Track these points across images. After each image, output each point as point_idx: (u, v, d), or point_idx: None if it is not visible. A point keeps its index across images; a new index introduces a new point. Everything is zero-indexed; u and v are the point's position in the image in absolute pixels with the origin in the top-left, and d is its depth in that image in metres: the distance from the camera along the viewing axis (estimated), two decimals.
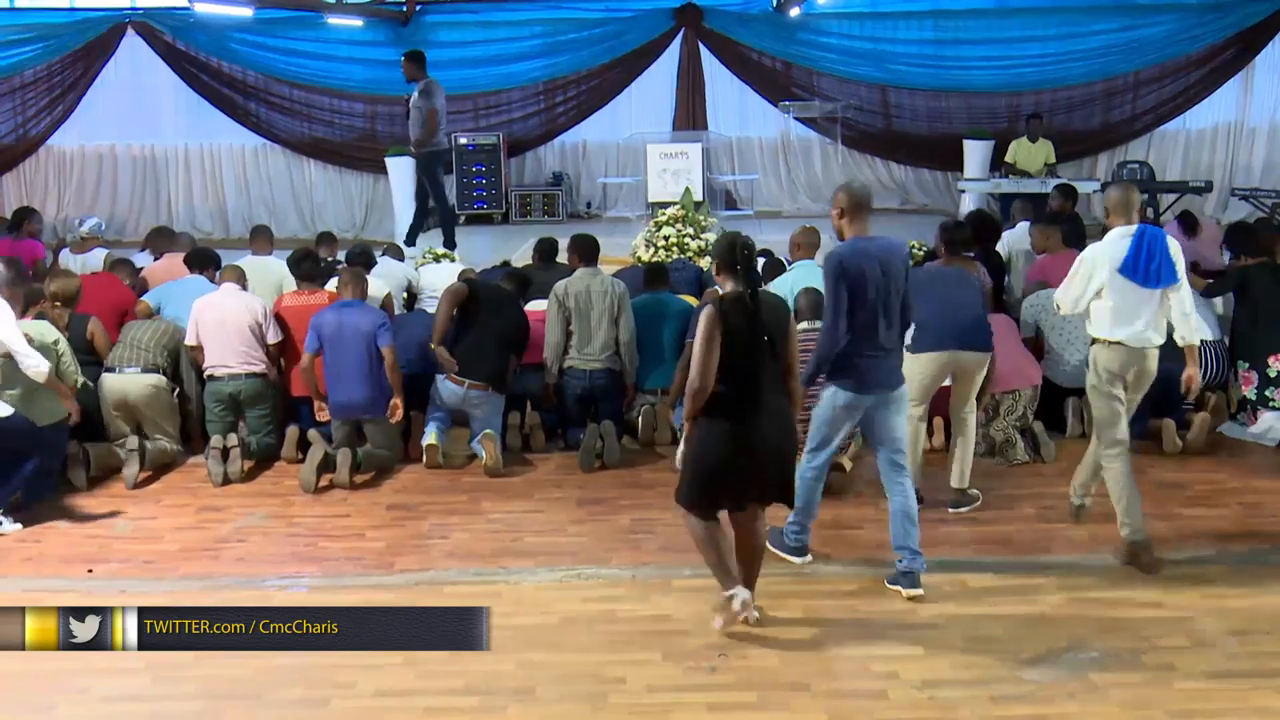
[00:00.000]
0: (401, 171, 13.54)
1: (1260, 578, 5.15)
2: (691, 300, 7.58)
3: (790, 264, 7.53)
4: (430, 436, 6.80)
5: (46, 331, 6.36)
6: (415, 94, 11.22)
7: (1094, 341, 5.33)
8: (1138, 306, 5.21)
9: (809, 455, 5.21)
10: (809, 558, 5.35)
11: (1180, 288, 5.23)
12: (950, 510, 5.97)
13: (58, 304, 6.88)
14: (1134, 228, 5.21)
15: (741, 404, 4.44)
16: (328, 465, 6.51)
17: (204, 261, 7.94)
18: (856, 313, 4.85)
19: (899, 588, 4.97)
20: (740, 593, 4.57)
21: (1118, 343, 5.25)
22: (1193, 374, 5.35)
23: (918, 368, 5.75)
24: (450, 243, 11.06)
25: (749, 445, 4.46)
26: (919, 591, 4.93)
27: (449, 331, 6.91)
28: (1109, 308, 5.23)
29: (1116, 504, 5.30)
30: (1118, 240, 5.24)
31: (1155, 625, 4.67)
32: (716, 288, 7.35)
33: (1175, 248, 5.27)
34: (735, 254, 4.57)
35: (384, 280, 8.01)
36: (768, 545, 5.04)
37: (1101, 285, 5.22)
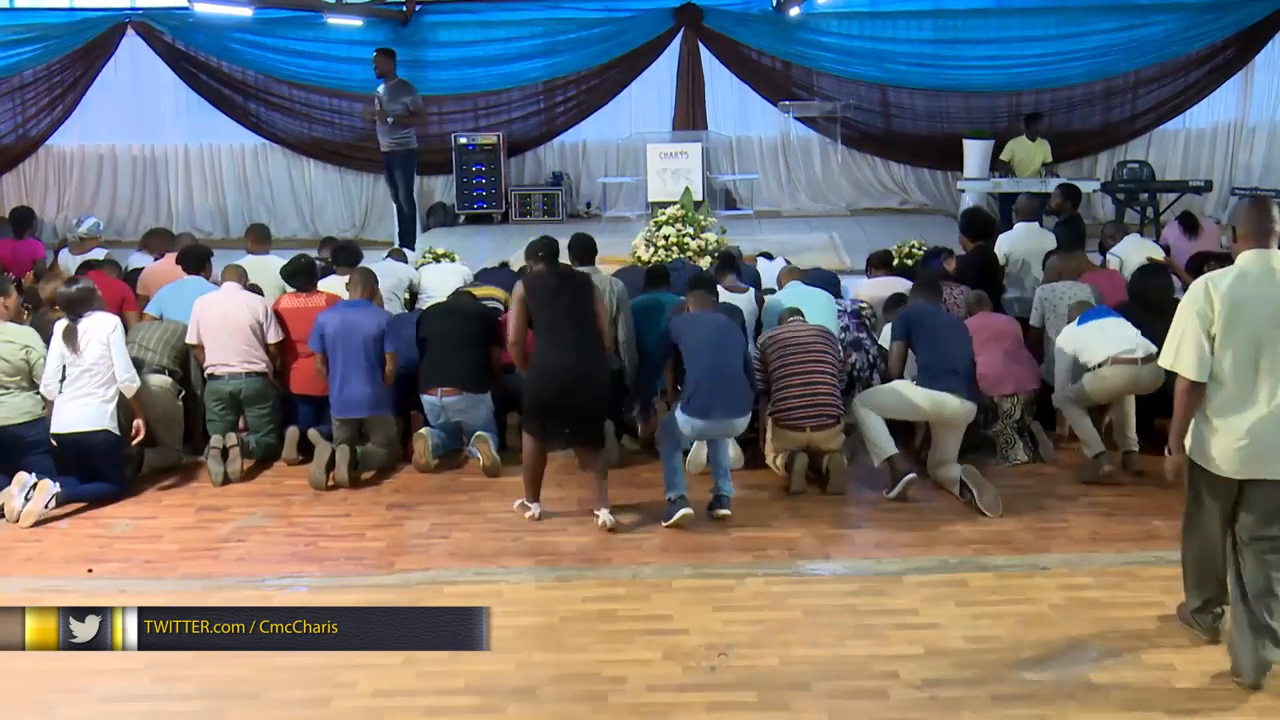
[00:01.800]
0: None
1: None
2: None
3: (780, 288, 7.73)
4: (422, 430, 6.82)
5: (20, 336, 6.42)
6: (385, 91, 11.26)
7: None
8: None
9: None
10: (684, 510, 5.79)
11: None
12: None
13: (55, 307, 6.88)
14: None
15: (549, 351, 5.74)
16: (330, 463, 6.52)
17: (198, 261, 7.89)
18: (687, 354, 5.99)
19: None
20: (534, 508, 5.95)
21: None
22: None
23: (908, 396, 6.30)
24: (410, 244, 11.07)
25: (557, 379, 5.71)
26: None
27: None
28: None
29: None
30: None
31: (1155, 625, 4.67)
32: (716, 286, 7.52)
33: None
34: (541, 246, 6.20)
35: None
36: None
37: None
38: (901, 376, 6.49)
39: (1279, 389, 4.09)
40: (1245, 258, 4.17)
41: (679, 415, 5.93)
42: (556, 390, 5.75)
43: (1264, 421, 4.09)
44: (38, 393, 6.35)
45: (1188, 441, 4.24)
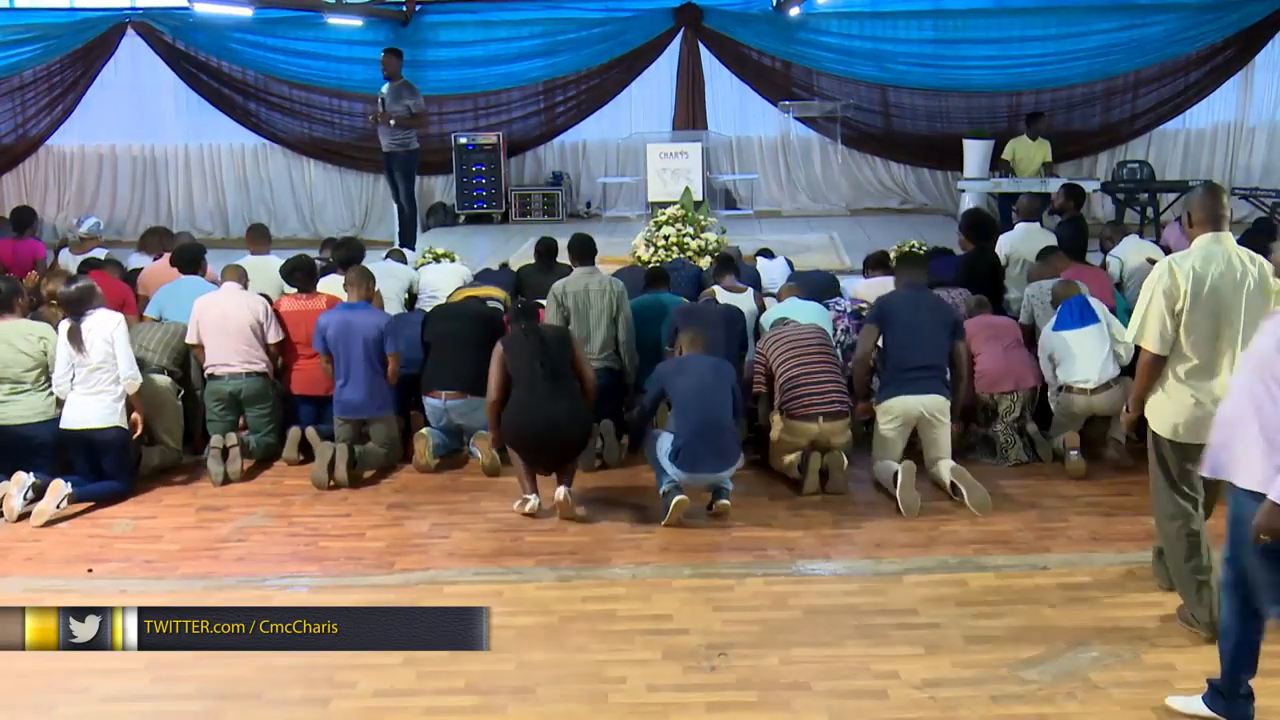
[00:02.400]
0: None
1: None
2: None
3: (780, 302, 7.68)
4: (423, 429, 6.83)
5: (35, 328, 6.43)
6: (389, 91, 11.19)
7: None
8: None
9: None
10: (679, 497, 5.82)
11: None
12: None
13: (54, 303, 6.90)
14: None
15: (528, 398, 6.06)
16: (332, 463, 6.51)
17: (193, 261, 7.88)
18: (676, 401, 6.02)
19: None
20: (532, 500, 6.06)
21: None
22: None
23: (887, 431, 6.33)
24: (410, 244, 11.00)
25: (529, 426, 6.05)
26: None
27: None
28: None
29: None
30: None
31: (1155, 625, 4.68)
32: (715, 286, 7.53)
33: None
34: (518, 306, 6.58)
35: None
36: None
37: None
38: (868, 362, 6.50)
39: (1236, 360, 4.34)
40: (1201, 241, 4.49)
41: (668, 465, 5.93)
42: (533, 437, 6.05)
43: (1225, 390, 4.30)
44: (49, 391, 6.37)
45: (1152, 422, 4.59)
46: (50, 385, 6.34)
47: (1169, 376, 4.50)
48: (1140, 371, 4.62)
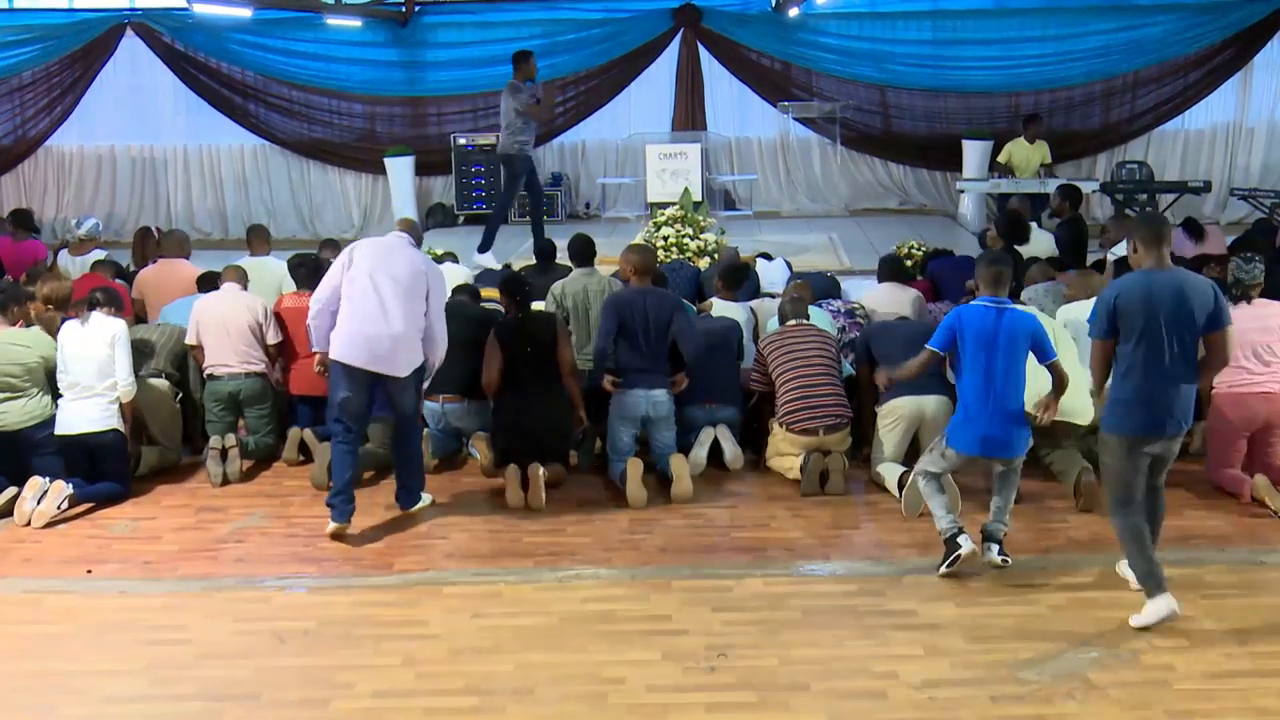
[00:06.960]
0: (401, 172, 13.58)
1: (1259, 579, 5.16)
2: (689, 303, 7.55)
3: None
4: (423, 430, 6.82)
5: (39, 341, 6.43)
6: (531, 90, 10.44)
7: None
8: None
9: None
10: (630, 460, 6.31)
11: None
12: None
13: (50, 307, 6.89)
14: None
15: (511, 391, 6.44)
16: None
17: (215, 286, 7.87)
18: (620, 338, 6.46)
19: None
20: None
21: None
22: None
23: (889, 435, 6.36)
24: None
25: (515, 418, 6.39)
26: None
27: None
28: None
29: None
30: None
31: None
32: (714, 299, 7.48)
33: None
34: (515, 288, 6.65)
35: None
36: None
37: None
38: (874, 396, 6.51)
39: None
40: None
41: (612, 413, 6.44)
42: (520, 436, 6.37)
43: None
44: (46, 395, 6.37)
45: None
46: (46, 389, 6.35)
47: None
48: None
